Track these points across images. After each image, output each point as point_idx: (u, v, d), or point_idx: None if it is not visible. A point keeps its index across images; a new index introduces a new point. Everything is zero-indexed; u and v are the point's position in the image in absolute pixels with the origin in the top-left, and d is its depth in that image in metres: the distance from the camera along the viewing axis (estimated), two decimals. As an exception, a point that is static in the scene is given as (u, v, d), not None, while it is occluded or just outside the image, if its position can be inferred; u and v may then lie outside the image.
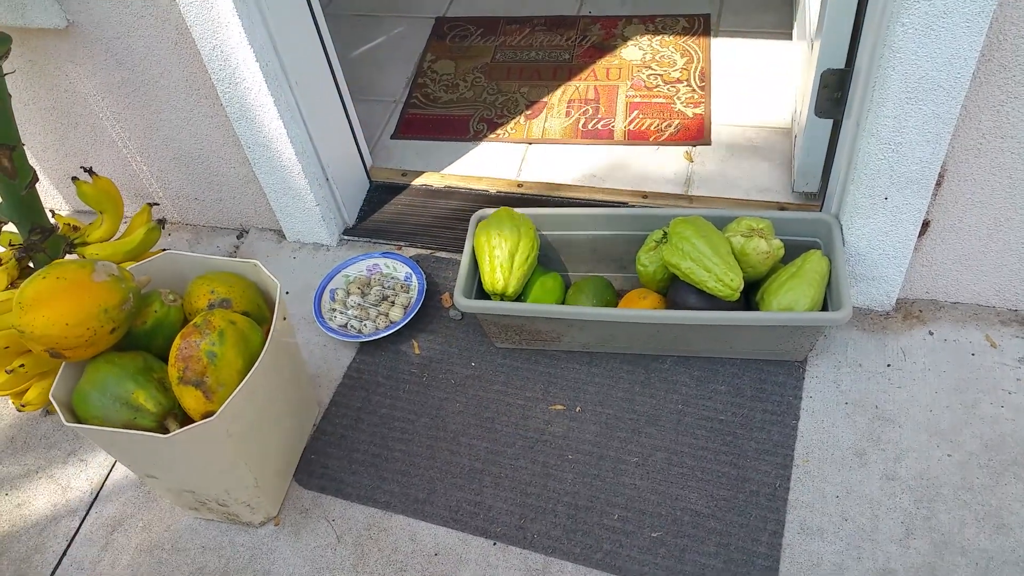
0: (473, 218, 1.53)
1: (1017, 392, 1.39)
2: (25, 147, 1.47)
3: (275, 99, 1.51)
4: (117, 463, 1.50)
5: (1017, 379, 1.41)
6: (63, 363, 1.18)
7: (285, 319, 1.25)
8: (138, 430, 1.12)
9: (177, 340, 1.13)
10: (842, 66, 1.44)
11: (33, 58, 1.64)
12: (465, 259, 1.48)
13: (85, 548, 1.39)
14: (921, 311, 1.52)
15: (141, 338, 1.22)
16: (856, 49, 1.36)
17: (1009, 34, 1.11)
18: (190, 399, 1.11)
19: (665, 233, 1.43)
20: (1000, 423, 1.36)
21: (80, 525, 1.43)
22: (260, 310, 1.27)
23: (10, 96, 1.41)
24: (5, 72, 1.38)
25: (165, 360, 1.20)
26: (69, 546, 1.40)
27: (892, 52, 1.14)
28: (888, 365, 1.45)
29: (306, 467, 1.44)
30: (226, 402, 1.10)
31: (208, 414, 1.12)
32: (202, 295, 1.23)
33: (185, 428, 1.08)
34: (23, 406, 1.51)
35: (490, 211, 1.52)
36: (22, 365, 1.43)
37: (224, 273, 1.28)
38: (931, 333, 1.49)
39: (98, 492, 1.47)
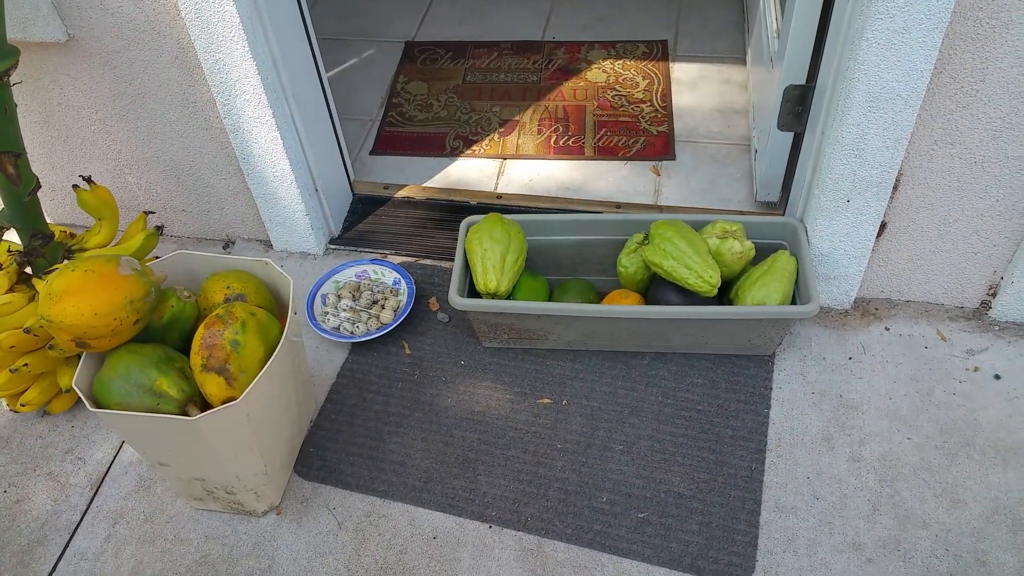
0: (463, 223, 1.62)
1: (966, 381, 1.52)
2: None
3: (274, 112, 1.58)
4: (116, 459, 1.53)
5: (966, 369, 1.54)
6: (83, 354, 1.22)
7: (296, 314, 1.31)
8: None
9: (200, 330, 1.19)
10: (803, 82, 1.58)
11: (28, 72, 1.68)
12: (458, 261, 1.56)
13: (87, 540, 1.42)
14: (877, 309, 1.64)
15: (157, 332, 1.27)
16: (818, 66, 1.49)
17: (959, 49, 1.25)
18: (213, 385, 1.17)
19: (646, 236, 1.53)
20: (952, 409, 1.48)
21: (81, 519, 1.46)
22: (271, 306, 1.34)
23: (16, 105, 1.46)
24: (13, 83, 1.43)
25: (180, 353, 1.25)
26: (71, 538, 1.43)
27: (857, 65, 1.27)
28: (849, 358, 1.57)
29: (305, 460, 1.49)
30: (250, 386, 1.16)
31: (228, 400, 1.18)
32: (218, 290, 1.30)
33: (211, 411, 1.14)
34: (23, 405, 1.53)
35: (480, 217, 1.60)
36: (26, 364, 1.47)
37: (237, 271, 1.34)
38: (887, 329, 1.61)
39: (98, 487, 1.50)
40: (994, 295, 1.59)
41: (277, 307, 1.37)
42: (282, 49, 1.55)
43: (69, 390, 1.55)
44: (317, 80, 1.73)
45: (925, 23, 1.21)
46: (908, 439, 1.45)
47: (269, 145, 1.63)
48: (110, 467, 1.54)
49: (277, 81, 1.58)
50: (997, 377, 1.52)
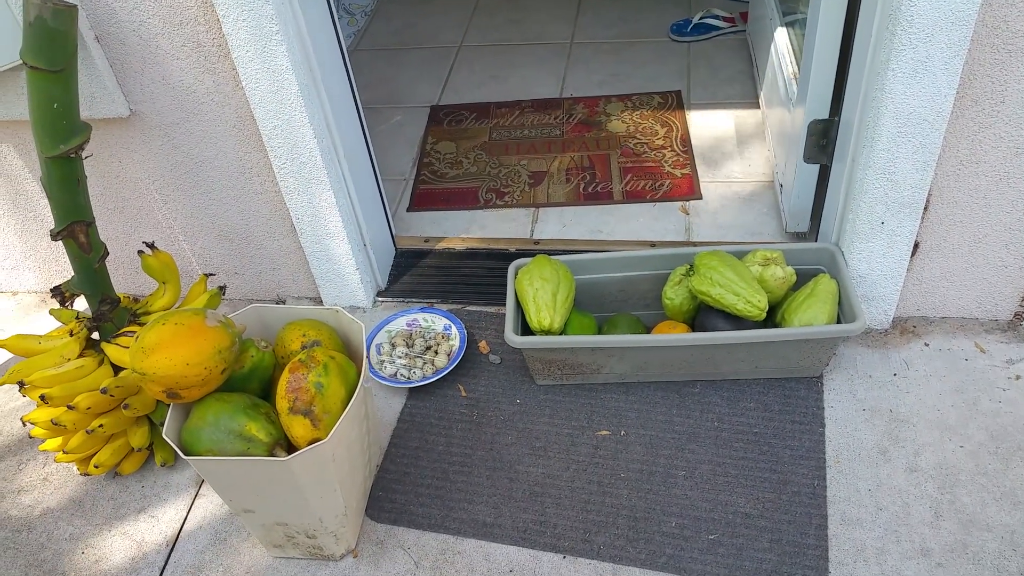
0: (512, 266, 1.68)
1: (1010, 389, 1.57)
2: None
3: (328, 172, 1.66)
4: (189, 516, 1.57)
5: (1008, 378, 1.59)
6: (171, 406, 1.28)
7: (368, 357, 1.37)
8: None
9: (285, 374, 1.24)
10: (826, 117, 1.67)
11: (88, 146, 1.76)
12: (510, 302, 1.62)
13: (172, 594, 1.45)
14: (915, 326, 1.70)
15: (239, 381, 1.32)
16: (840, 101, 1.58)
17: (978, 74, 1.33)
18: (299, 427, 1.22)
19: (690, 267, 1.60)
20: (1000, 416, 1.53)
21: (160, 575, 1.49)
22: (343, 352, 1.39)
23: (86, 177, 1.54)
24: (85, 156, 1.51)
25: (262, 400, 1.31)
26: (156, 593, 1.46)
27: (884, 94, 1.35)
28: (894, 374, 1.63)
29: (375, 503, 1.53)
30: (336, 425, 1.21)
31: (314, 440, 1.22)
32: (295, 338, 1.35)
33: (300, 452, 1.19)
34: (96, 467, 1.57)
35: (527, 260, 1.67)
36: (101, 425, 1.51)
37: (311, 320, 1.40)
38: (927, 344, 1.67)
39: (174, 543, 1.53)
40: (1027, 306, 1.65)
41: (348, 353, 1.42)
42: (335, 113, 1.64)
43: (141, 449, 1.60)
44: (363, 140, 1.82)
45: (946, 51, 1.30)
46: (961, 447, 1.49)
47: (323, 204, 1.71)
48: (183, 524, 1.57)
49: (331, 143, 1.67)
50: (1039, 384, 1.58)
